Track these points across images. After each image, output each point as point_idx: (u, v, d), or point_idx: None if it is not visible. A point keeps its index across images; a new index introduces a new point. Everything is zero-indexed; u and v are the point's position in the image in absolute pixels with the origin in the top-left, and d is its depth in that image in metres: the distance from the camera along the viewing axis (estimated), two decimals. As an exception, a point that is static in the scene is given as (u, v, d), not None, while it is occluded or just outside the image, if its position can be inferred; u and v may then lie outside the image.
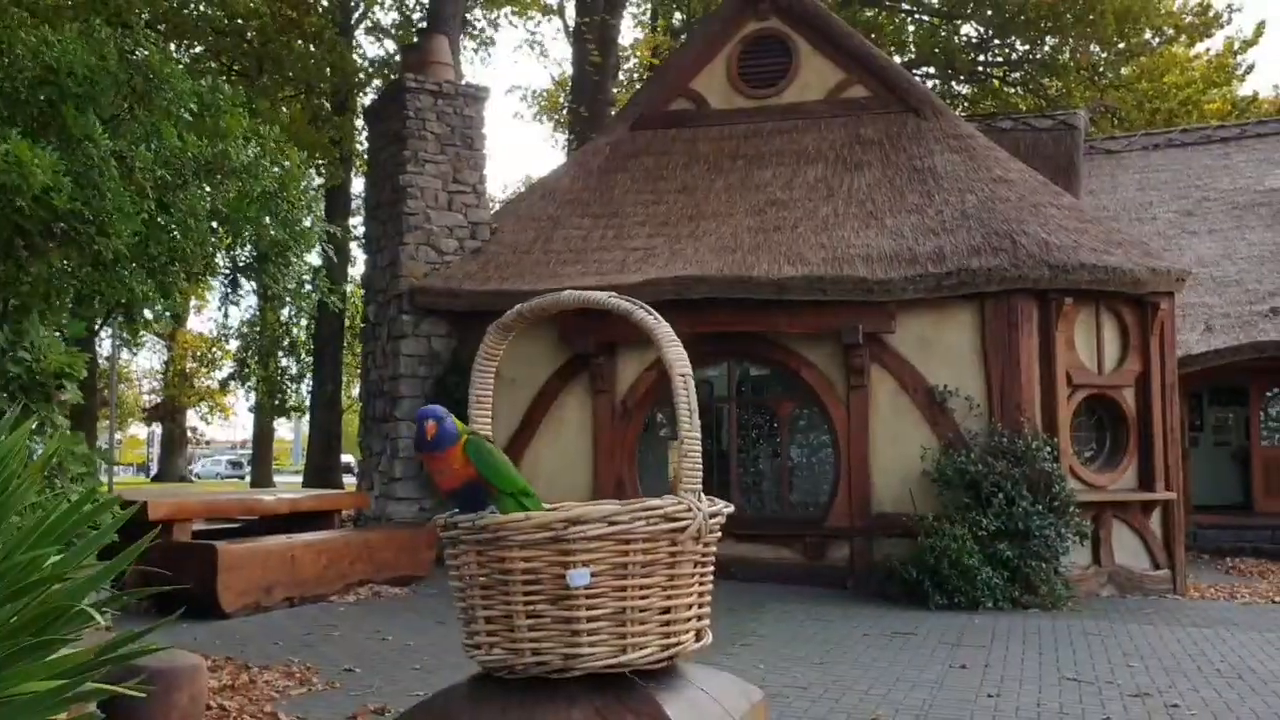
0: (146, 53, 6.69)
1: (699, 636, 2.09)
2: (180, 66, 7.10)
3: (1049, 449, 9.27)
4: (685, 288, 10.03)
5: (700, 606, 2.08)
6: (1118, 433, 10.26)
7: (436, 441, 2.07)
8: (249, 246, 6.74)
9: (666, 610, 1.99)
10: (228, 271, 6.89)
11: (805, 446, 10.84)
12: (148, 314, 7.13)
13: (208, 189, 6.88)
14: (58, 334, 5.72)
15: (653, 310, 2.06)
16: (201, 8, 18.30)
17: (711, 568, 2.10)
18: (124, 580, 7.06)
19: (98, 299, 5.61)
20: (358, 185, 22.41)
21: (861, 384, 9.99)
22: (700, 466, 2.02)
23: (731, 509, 2.12)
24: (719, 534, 2.08)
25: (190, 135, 6.47)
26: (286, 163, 6.60)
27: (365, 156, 15.93)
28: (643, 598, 1.95)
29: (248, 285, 8.13)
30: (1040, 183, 11.09)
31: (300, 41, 19.27)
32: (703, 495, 2.02)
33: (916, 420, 9.91)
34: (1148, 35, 23.86)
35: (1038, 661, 6.67)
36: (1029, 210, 10.27)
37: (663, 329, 2.05)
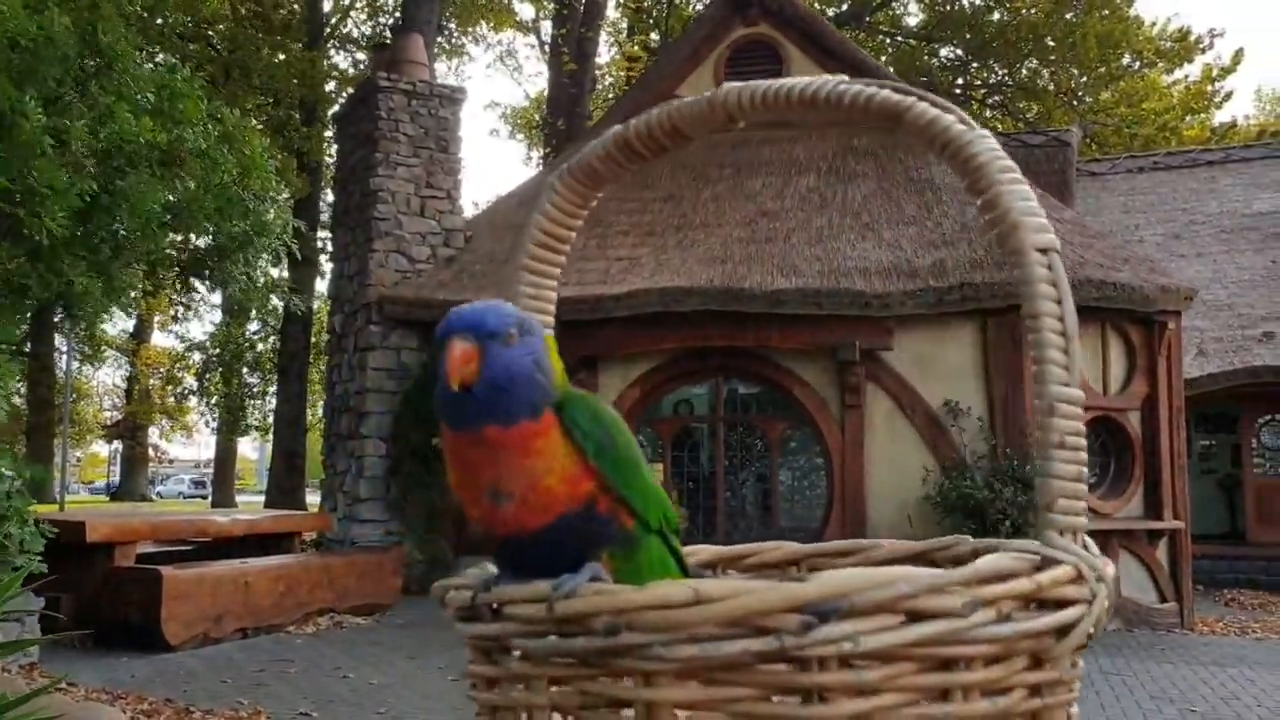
0: (105, 34, 6.11)
1: None
2: (139, 53, 6.52)
3: (1056, 474, 8.77)
4: (673, 299, 9.50)
5: None
6: (1123, 458, 9.79)
7: (510, 399, 0.89)
8: (206, 240, 6.15)
9: None
10: (179, 268, 6.28)
11: (796, 469, 10.29)
12: (99, 316, 6.50)
13: (160, 177, 6.28)
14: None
15: (953, 106, 1.00)
16: (167, 15, 17.63)
17: (1077, 693, 0.90)
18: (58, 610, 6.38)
19: (29, 292, 4.96)
20: (326, 200, 21.75)
21: (857, 403, 9.48)
22: (1085, 473, 0.90)
23: (1113, 570, 0.90)
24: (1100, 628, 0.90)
25: (146, 119, 5.89)
26: (246, 150, 6.02)
27: (334, 168, 15.31)
28: None
29: (202, 288, 7.50)
30: (1040, 196, 10.66)
31: (268, 50, 18.65)
32: (1089, 541, 0.90)
33: (915, 442, 9.40)
34: (1127, 60, 23.78)
35: (1062, 703, 6.13)
36: (1032, 224, 9.81)
37: (984, 146, 0.94)
